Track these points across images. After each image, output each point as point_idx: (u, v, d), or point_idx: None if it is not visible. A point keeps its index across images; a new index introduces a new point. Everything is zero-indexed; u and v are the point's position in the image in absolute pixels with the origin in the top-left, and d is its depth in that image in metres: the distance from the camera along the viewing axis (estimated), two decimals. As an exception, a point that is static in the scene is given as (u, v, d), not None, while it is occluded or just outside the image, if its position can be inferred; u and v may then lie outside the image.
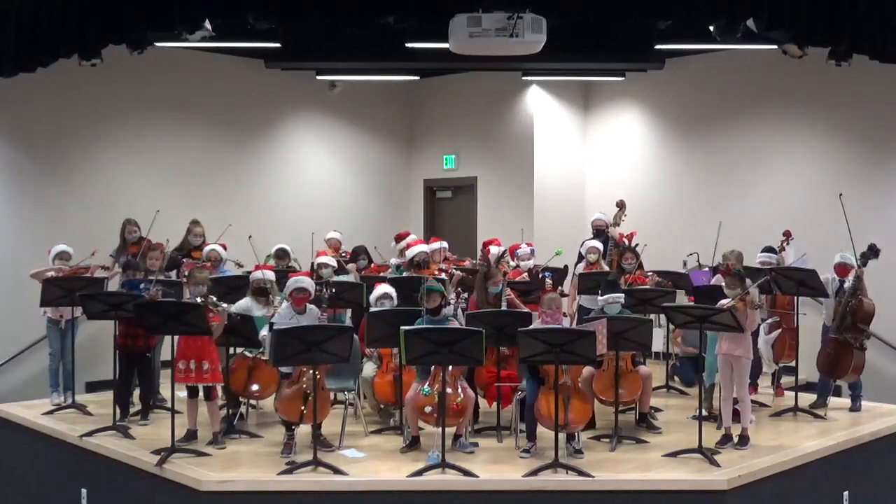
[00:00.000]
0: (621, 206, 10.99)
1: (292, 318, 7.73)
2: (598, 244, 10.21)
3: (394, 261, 10.50)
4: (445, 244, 10.42)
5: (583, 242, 10.71)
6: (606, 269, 9.91)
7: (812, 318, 9.71)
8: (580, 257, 10.57)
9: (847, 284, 8.85)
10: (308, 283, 8.00)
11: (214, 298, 7.74)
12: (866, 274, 8.84)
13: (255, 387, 8.16)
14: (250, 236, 10.46)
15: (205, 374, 7.56)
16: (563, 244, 10.87)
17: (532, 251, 10.04)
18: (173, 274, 9.82)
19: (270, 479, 6.86)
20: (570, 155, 13.91)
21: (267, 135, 13.39)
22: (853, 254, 8.90)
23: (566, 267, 10.27)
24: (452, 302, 8.06)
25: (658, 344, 8.37)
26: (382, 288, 8.42)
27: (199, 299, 7.64)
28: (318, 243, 11.07)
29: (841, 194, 9.30)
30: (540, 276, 9.38)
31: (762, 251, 9.70)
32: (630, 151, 13.60)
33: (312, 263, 10.41)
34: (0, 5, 8.29)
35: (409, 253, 9.77)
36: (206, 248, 9.96)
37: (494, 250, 9.96)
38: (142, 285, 8.48)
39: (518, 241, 10.49)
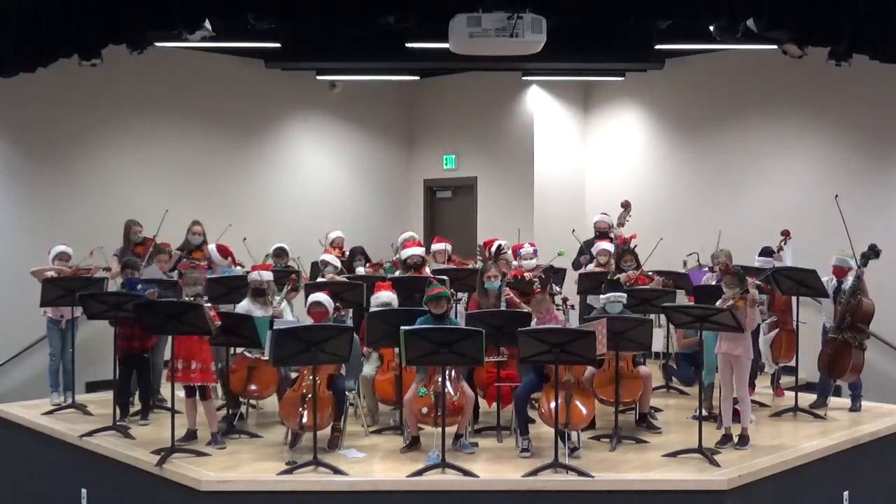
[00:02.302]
0: (626, 206, 10.95)
1: None
2: (609, 246, 10.20)
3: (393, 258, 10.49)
4: (448, 246, 10.38)
5: (588, 241, 10.70)
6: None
7: (812, 318, 9.70)
8: (581, 252, 10.59)
9: (845, 285, 8.85)
10: (324, 298, 8.00)
11: (204, 300, 7.71)
12: (866, 274, 8.84)
13: (253, 387, 8.17)
14: (244, 238, 10.44)
15: (192, 374, 7.55)
16: (563, 244, 10.85)
17: (535, 251, 10.03)
18: (174, 274, 9.81)
19: (270, 479, 6.87)
20: (570, 155, 13.91)
21: (267, 135, 13.39)
22: (853, 254, 8.90)
23: (552, 267, 10.30)
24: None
25: (658, 344, 8.36)
26: (384, 296, 8.37)
27: (190, 299, 7.64)
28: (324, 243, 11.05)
29: (837, 195, 9.29)
30: (541, 277, 9.37)
31: (759, 255, 9.62)
32: (630, 151, 13.60)
33: (315, 263, 10.40)
34: (0, 5, 8.29)
35: (403, 254, 9.76)
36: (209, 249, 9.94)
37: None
38: (139, 286, 8.48)
39: (517, 240, 10.49)
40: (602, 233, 10.80)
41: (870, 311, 8.78)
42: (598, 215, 11.08)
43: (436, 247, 10.23)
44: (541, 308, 7.58)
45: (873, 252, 8.78)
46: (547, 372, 7.40)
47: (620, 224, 10.88)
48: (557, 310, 8.31)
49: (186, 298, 7.66)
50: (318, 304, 7.94)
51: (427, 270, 9.54)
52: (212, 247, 9.96)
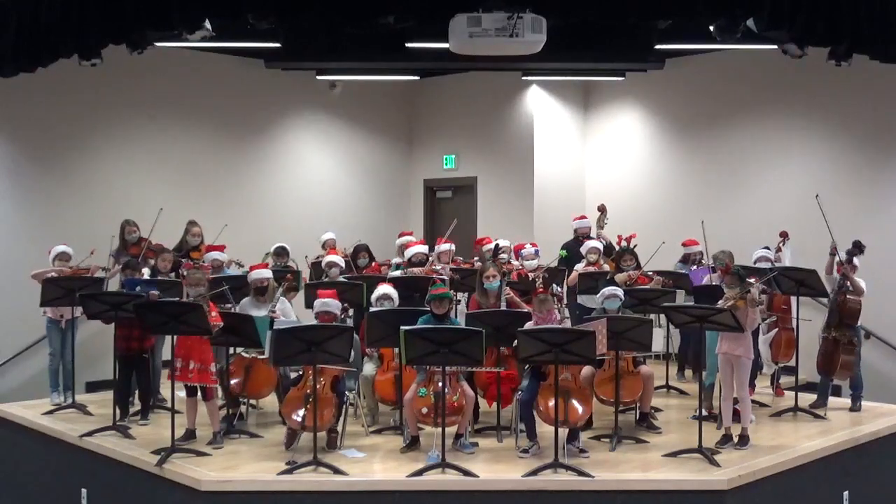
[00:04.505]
0: (602, 210, 10.99)
1: None
2: (599, 244, 10.20)
3: (395, 260, 10.49)
4: (452, 246, 10.36)
5: (568, 244, 10.70)
6: (606, 268, 9.90)
7: (814, 318, 9.70)
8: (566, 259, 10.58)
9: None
10: (334, 304, 7.93)
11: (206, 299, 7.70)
12: (867, 272, 8.83)
13: (251, 387, 8.16)
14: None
15: (190, 374, 7.53)
16: (562, 244, 10.87)
17: (536, 252, 10.03)
18: (172, 275, 9.80)
19: (270, 479, 6.87)
20: (570, 155, 13.91)
21: (267, 135, 13.39)
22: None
23: (555, 267, 10.28)
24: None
25: (658, 344, 8.34)
26: (383, 289, 8.40)
27: (191, 299, 7.63)
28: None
29: (817, 195, 9.26)
30: (544, 276, 9.37)
31: (760, 249, 9.68)
32: (630, 151, 13.60)
33: (318, 263, 10.39)
34: (0, 5, 8.29)
35: (408, 253, 9.77)
36: (210, 255, 9.89)
37: (489, 248, 9.94)
38: (138, 287, 8.48)
39: (514, 242, 10.48)
40: (586, 237, 10.76)
41: (855, 308, 8.80)
42: (577, 221, 11.04)
43: (441, 247, 10.20)
44: (542, 308, 7.58)
45: (857, 248, 8.79)
46: (544, 370, 7.40)
47: (600, 227, 10.88)
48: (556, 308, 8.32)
49: (188, 298, 7.63)
50: (327, 312, 7.82)
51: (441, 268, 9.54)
52: (216, 255, 9.90)
